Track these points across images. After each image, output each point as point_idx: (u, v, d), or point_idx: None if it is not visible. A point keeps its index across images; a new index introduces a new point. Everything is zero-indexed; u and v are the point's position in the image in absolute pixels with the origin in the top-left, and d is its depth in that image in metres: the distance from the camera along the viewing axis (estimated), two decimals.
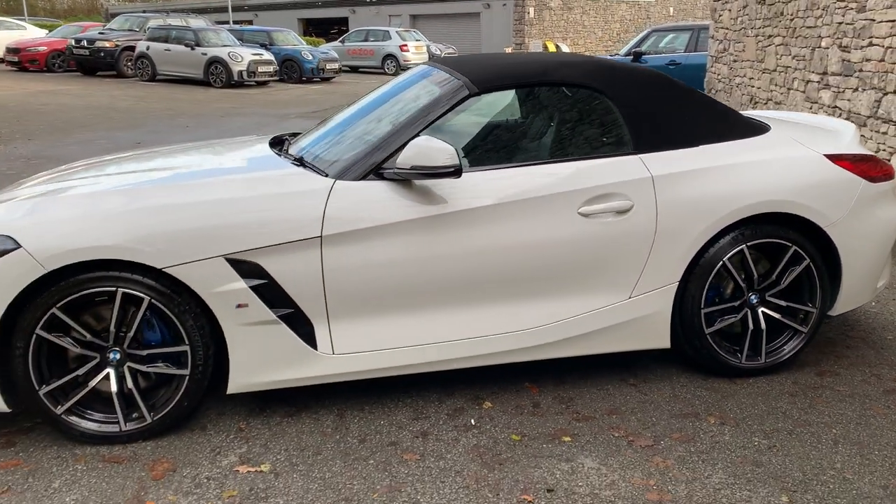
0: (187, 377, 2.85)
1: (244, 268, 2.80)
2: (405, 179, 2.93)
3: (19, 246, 2.66)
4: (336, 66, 23.56)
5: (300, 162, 3.22)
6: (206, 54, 20.14)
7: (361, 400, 3.16)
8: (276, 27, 26.64)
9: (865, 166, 3.35)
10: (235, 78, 19.89)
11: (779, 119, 3.79)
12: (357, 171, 2.97)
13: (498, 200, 2.97)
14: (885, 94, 5.94)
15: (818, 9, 7.29)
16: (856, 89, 6.46)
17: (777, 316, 3.30)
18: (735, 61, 9.96)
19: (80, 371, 2.80)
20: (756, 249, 3.22)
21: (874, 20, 6.18)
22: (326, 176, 2.99)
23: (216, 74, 20.02)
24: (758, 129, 3.41)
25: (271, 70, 21.05)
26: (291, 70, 22.67)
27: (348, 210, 2.87)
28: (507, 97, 3.41)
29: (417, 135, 3.01)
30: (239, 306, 2.81)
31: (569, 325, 3.11)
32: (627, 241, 3.08)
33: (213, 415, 3.07)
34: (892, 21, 5.90)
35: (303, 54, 22.70)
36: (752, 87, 9.13)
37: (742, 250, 3.18)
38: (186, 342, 2.81)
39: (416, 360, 3.01)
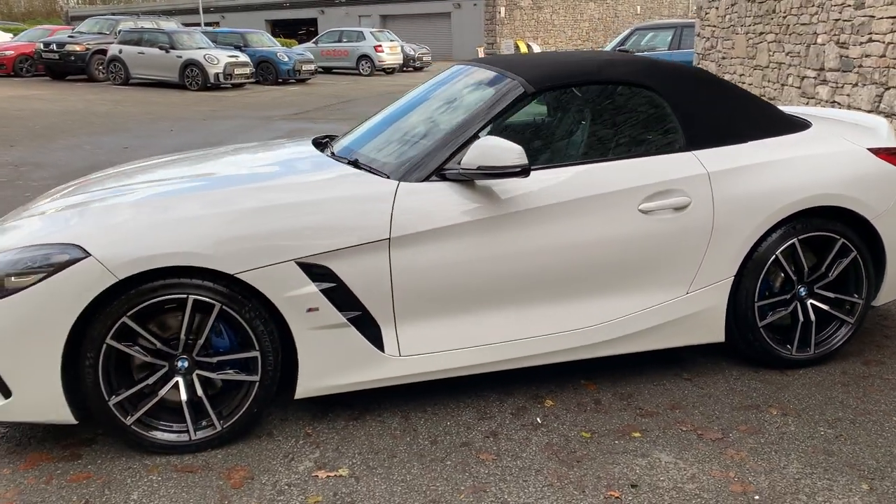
0: (257, 383, 2.82)
1: (314, 271, 2.78)
2: (468, 180, 2.93)
3: (88, 254, 2.61)
4: (312, 67, 23.43)
5: (355, 164, 3.21)
6: (181, 57, 19.89)
7: (423, 401, 3.16)
8: (250, 29, 26.37)
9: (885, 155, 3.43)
10: (211, 80, 19.68)
11: (813, 115, 3.86)
12: (419, 173, 2.96)
13: (559, 199, 2.98)
14: (888, 88, 6.08)
15: (813, 6, 7.44)
16: (855, 84, 6.60)
17: (826, 307, 3.37)
18: (724, 58, 10.11)
19: (150, 380, 2.75)
20: (804, 242, 3.28)
21: (874, 17, 6.32)
22: (388, 178, 2.98)
23: (192, 77, 19.78)
24: (800, 125, 3.48)
25: (247, 72, 20.87)
26: (267, 72, 22.48)
27: (414, 212, 2.86)
28: (552, 96, 3.42)
29: (476, 135, 3.01)
30: (310, 310, 2.79)
31: (629, 322, 3.13)
32: (685, 237, 3.12)
33: (276, 420, 3.04)
34: (893, 17, 6.04)
35: (278, 56, 22.52)
36: (744, 83, 9.28)
37: (793, 244, 3.24)
38: (257, 348, 2.78)
39: (481, 361, 3.01)
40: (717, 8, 10.39)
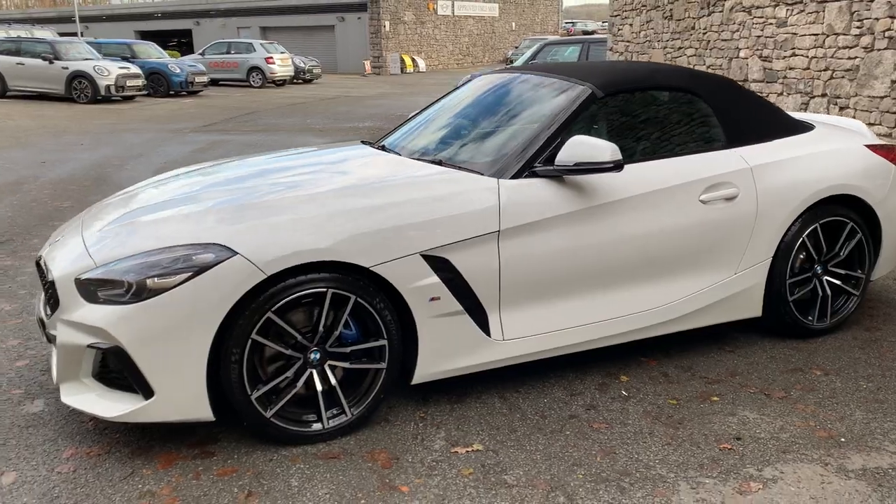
0: (384, 370, 2.97)
1: (436, 263, 2.97)
2: (557, 176, 3.22)
3: (235, 253, 2.69)
4: (205, 79, 22.89)
5: (439, 163, 3.42)
6: (67, 68, 18.93)
7: (511, 384, 3.39)
8: (133, 40, 25.33)
9: (892, 154, 4.03)
10: (102, 93, 18.85)
11: (806, 118, 4.42)
12: (512, 171, 3.21)
13: (635, 192, 3.33)
14: (812, 97, 6.88)
15: (734, 24, 8.25)
16: (780, 93, 7.40)
17: (838, 283, 3.89)
18: None
19: (289, 373, 2.85)
20: (822, 226, 3.79)
21: (796, 34, 7.13)
22: (482, 176, 3.21)
23: (80, 89, 18.86)
24: (807, 126, 4.01)
25: (140, 84, 20.13)
26: (158, 84, 21.73)
27: (517, 206, 3.12)
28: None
29: (557, 136, 3.30)
30: (432, 299, 2.98)
31: (690, 301, 3.52)
32: (735, 224, 3.54)
33: (384, 408, 3.19)
34: (816, 34, 6.86)
35: (170, 67, 21.83)
36: None
37: (815, 228, 3.74)
38: (384, 336, 2.93)
39: (573, 341, 3.30)
40: (630, 25, 11.19)
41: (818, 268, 3.85)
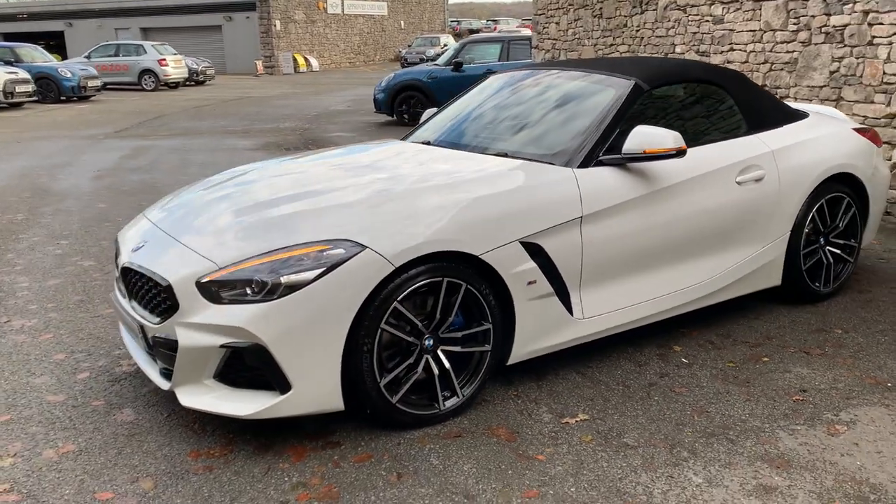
0: (489, 353, 3.14)
1: (531, 249, 3.17)
2: (621, 164, 3.48)
3: (365, 247, 2.79)
4: (98, 83, 21.85)
5: (504, 155, 3.61)
6: None
7: (579, 361, 3.62)
8: (16, 42, 23.74)
9: (872, 136, 4.55)
10: None
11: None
12: (579, 160, 3.45)
13: (688, 176, 3.64)
14: None
15: (669, 21, 8.82)
16: None
17: (838, 251, 4.37)
18: None
19: (411, 359, 2.97)
20: (827, 202, 4.24)
21: (734, 30, 7.74)
22: (555, 165, 3.44)
23: None
24: (804, 113, 4.46)
25: (30, 90, 19.03)
26: (48, 89, 20.56)
27: (593, 193, 3.36)
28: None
29: (615, 126, 3.57)
30: (529, 283, 3.17)
31: (729, 273, 3.87)
32: (763, 202, 3.93)
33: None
34: (753, 31, 7.48)
35: (60, 72, 20.70)
36: None
37: (822, 204, 4.19)
38: (489, 321, 3.11)
39: (640, 315, 3.58)
40: (557, 23, 11.66)
41: (821, 239, 4.31)
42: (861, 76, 6.31)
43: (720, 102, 4.04)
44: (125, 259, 3.18)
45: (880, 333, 3.90)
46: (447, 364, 3.05)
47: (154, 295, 2.96)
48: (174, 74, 26.31)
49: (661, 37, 9.00)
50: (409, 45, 40.50)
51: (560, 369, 3.54)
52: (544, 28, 12.05)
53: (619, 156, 3.45)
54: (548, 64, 4.39)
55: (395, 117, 14.38)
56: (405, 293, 2.87)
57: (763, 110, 4.17)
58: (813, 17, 6.75)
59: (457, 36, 45.35)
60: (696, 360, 3.64)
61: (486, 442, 2.92)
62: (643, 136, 3.39)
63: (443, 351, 3.05)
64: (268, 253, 2.81)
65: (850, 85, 6.45)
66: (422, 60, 35.74)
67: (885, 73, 6.09)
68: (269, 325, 2.69)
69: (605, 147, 3.50)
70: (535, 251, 3.18)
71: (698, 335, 3.94)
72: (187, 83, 28.19)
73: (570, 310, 3.35)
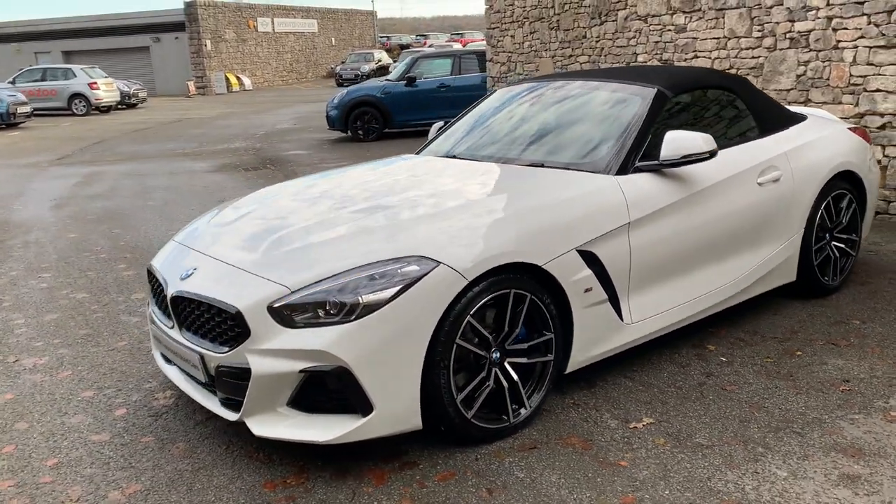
0: (552, 362, 3.16)
1: (587, 257, 3.20)
2: (656, 170, 3.56)
3: (438, 263, 2.77)
4: (27, 109, 21.05)
5: (541, 166, 3.65)
6: None
7: (624, 367, 3.66)
8: None
9: (863, 134, 4.77)
10: None
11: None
12: (617, 167, 3.51)
13: (718, 179, 3.75)
14: None
15: (630, 31, 9.06)
16: None
17: (842, 246, 4.56)
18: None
19: (483, 373, 2.95)
20: (832, 199, 4.42)
21: (697, 38, 8.01)
22: (597, 174, 3.49)
23: None
24: (803, 115, 4.64)
25: None
26: None
27: (637, 199, 3.42)
28: None
29: (647, 133, 3.65)
30: (586, 291, 3.21)
31: (755, 271, 3.99)
32: (780, 202, 4.07)
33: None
34: (717, 38, 7.75)
35: None
36: None
37: (829, 201, 4.37)
38: (551, 330, 3.12)
39: (681, 317, 3.65)
40: (512, 36, 11.82)
41: (827, 235, 4.49)
42: (828, 79, 6.61)
43: (734, 107, 4.18)
44: (175, 288, 3.07)
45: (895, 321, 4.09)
46: (515, 376, 3.05)
47: (217, 323, 2.86)
48: (106, 98, 25.53)
49: (622, 47, 9.23)
50: (343, 62, 40.38)
51: (607, 376, 3.58)
52: (499, 41, 12.20)
53: (656, 162, 3.52)
54: (559, 75, 4.46)
55: (349, 133, 14.29)
56: (476, 307, 2.86)
57: (770, 113, 4.33)
58: (777, 23, 7.04)
59: (389, 51, 45.43)
60: (733, 357, 3.73)
61: (563, 451, 2.93)
62: (678, 142, 3.48)
63: (509, 363, 3.05)
64: (340, 274, 2.76)
65: (817, 87, 6.74)
66: (357, 76, 35.72)
67: (851, 75, 6.40)
68: (352, 346, 2.64)
69: (640, 154, 3.57)
70: (590, 259, 3.21)
71: (727, 334, 4.04)
72: (119, 107, 27.39)
73: (620, 315, 3.40)
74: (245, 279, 2.89)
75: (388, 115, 14.08)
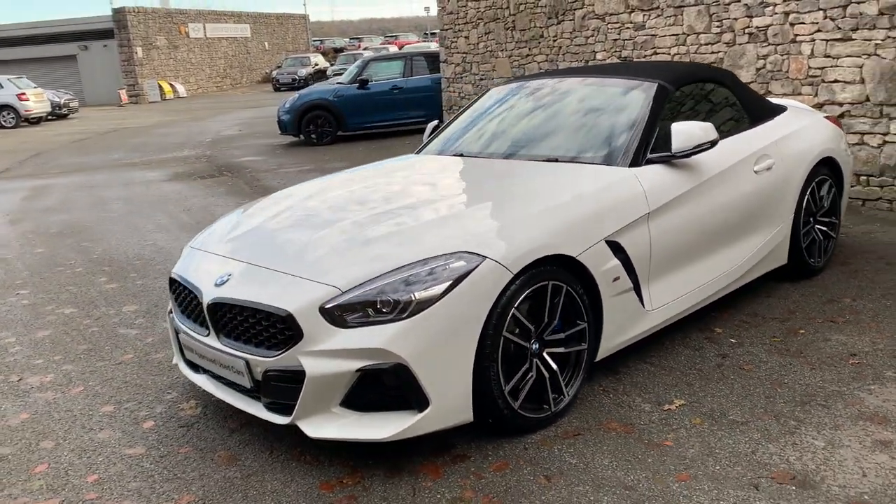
0: (585, 351, 3.24)
1: (613, 247, 3.31)
2: (665, 161, 3.69)
3: (485, 257, 2.83)
4: None
5: (555, 160, 3.74)
6: None
7: (641, 352, 3.77)
8: None
9: (837, 123, 5.03)
10: None
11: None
12: (630, 160, 3.63)
13: (721, 168, 3.90)
14: None
15: (588, 30, 9.26)
16: None
17: (825, 229, 4.79)
18: (482, 79, 11.68)
19: (526, 364, 3.02)
20: (815, 184, 4.65)
21: (657, 35, 8.26)
22: (613, 167, 3.59)
23: None
24: (783, 106, 4.86)
25: None
26: None
27: (652, 189, 3.54)
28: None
29: (654, 126, 3.77)
30: (614, 280, 3.31)
31: (754, 256, 4.17)
32: (775, 188, 4.26)
33: None
34: (676, 35, 8.01)
35: None
36: None
37: (813, 186, 4.59)
38: (585, 319, 3.21)
39: (693, 302, 3.80)
40: (466, 37, 11.93)
41: (811, 219, 4.72)
42: (787, 71, 6.91)
43: (726, 99, 4.35)
44: (212, 295, 3.03)
45: (883, 298, 4.32)
46: (554, 366, 3.12)
47: (265, 327, 2.84)
48: (36, 109, 24.63)
49: (580, 45, 9.43)
50: (279, 66, 39.89)
51: (629, 362, 3.69)
52: (452, 43, 12.30)
53: (668, 153, 3.65)
54: (553, 73, 4.56)
55: (302, 138, 14.16)
56: (519, 300, 2.92)
57: (757, 105, 4.52)
58: (735, 19, 7.32)
59: (324, 55, 45.08)
60: (742, 339, 3.89)
61: (607, 436, 3.02)
62: (686, 133, 3.61)
63: (548, 353, 3.12)
64: (389, 273, 2.79)
65: (776, 80, 7.04)
66: (294, 81, 35.36)
67: (810, 67, 6.71)
68: (409, 342, 2.67)
69: (650, 146, 3.70)
70: (616, 249, 3.31)
71: (729, 317, 4.20)
72: (49, 118, 26.46)
73: (642, 303, 3.51)
74: (289, 281, 2.88)
75: (341, 118, 14.02)
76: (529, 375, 3.03)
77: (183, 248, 3.74)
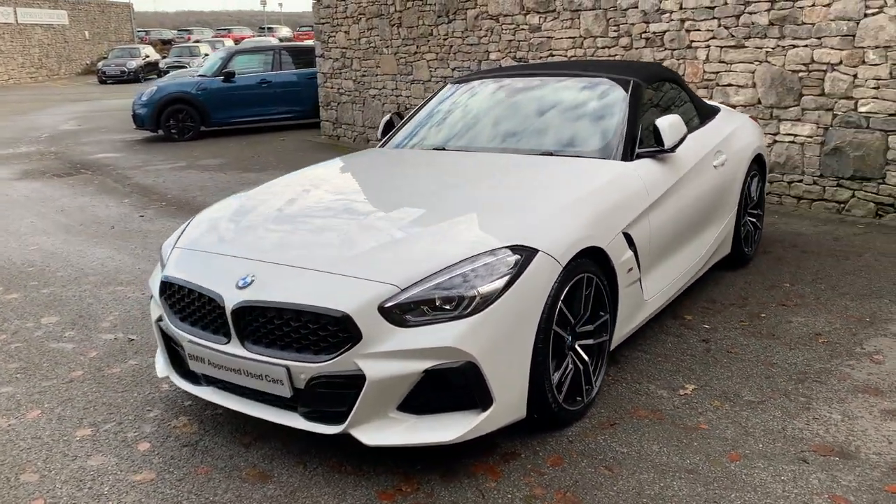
0: (608, 341, 3.29)
1: (627, 238, 3.38)
2: (652, 156, 3.83)
3: (537, 250, 2.80)
4: None
5: (550, 154, 3.77)
6: None
7: (630, 343, 3.88)
8: None
9: (755, 119, 5.45)
10: None
11: None
12: (622, 155, 3.73)
13: (693, 162, 4.10)
14: None
15: (481, 30, 9.39)
16: None
17: (754, 220, 5.17)
18: (365, 76, 11.50)
19: (568, 358, 3.00)
20: (750, 179, 5.01)
21: (553, 37, 8.53)
22: (611, 160, 3.68)
23: None
24: (718, 106, 5.19)
25: None
26: None
27: (649, 183, 3.66)
28: None
29: (637, 121, 3.90)
30: (629, 270, 3.38)
31: (712, 246, 4.42)
32: (727, 182, 4.54)
33: None
34: (572, 37, 8.32)
35: None
36: (401, 96, 10.85)
37: (748, 180, 4.94)
38: (607, 311, 3.25)
39: (673, 292, 3.97)
40: (346, 32, 11.68)
41: (744, 211, 5.08)
42: (684, 74, 7.38)
43: (681, 97, 4.58)
44: (237, 298, 2.74)
45: (815, 282, 4.73)
46: (586, 357, 3.13)
47: (313, 330, 2.63)
48: None
49: (473, 45, 9.54)
50: (105, 57, 37.04)
51: (625, 350, 3.78)
52: (330, 37, 12.02)
53: (658, 148, 3.77)
54: (520, 67, 4.58)
55: (161, 132, 13.23)
56: (564, 292, 2.91)
57: (702, 104, 4.80)
58: (633, 24, 7.72)
59: (153, 46, 42.40)
60: (714, 324, 4.12)
61: (641, 423, 3.07)
62: (673, 127, 3.76)
63: (579, 345, 3.13)
64: (447, 268, 2.67)
65: None
66: (123, 73, 33.01)
67: (705, 71, 7.21)
68: (478, 340, 2.58)
69: (637, 140, 3.81)
70: (629, 240, 3.39)
71: (691, 304, 4.42)
72: None
73: (642, 292, 3.61)
74: (335, 280, 2.68)
75: (205, 112, 13.27)
76: (569, 369, 3.02)
77: (161, 248, 3.38)
